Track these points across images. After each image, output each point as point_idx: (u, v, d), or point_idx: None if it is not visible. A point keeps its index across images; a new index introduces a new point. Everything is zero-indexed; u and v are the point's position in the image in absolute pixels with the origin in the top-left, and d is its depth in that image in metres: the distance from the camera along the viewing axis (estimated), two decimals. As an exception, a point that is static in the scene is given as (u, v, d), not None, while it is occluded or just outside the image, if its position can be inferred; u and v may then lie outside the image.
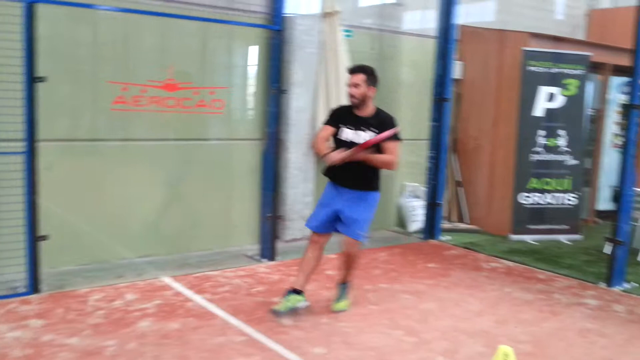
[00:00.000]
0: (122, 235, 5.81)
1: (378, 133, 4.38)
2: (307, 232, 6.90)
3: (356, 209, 4.59)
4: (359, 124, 4.51)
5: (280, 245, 6.43)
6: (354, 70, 4.54)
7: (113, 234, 5.75)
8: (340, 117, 4.61)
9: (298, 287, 4.64)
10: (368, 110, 4.54)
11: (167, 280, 5.33)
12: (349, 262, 4.76)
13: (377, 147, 4.40)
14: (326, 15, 6.70)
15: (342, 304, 4.80)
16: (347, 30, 6.99)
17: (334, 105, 6.70)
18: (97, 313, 4.48)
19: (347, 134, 4.53)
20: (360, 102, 4.49)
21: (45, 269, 5.00)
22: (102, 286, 5.08)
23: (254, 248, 6.35)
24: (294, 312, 4.55)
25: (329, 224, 4.72)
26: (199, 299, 4.88)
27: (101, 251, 5.70)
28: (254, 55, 6.47)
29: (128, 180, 5.79)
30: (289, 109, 6.62)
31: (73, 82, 5.42)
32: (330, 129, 4.61)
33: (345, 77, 6.74)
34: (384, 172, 4.67)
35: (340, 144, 4.53)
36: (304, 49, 6.59)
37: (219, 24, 6.02)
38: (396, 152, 4.46)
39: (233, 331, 4.27)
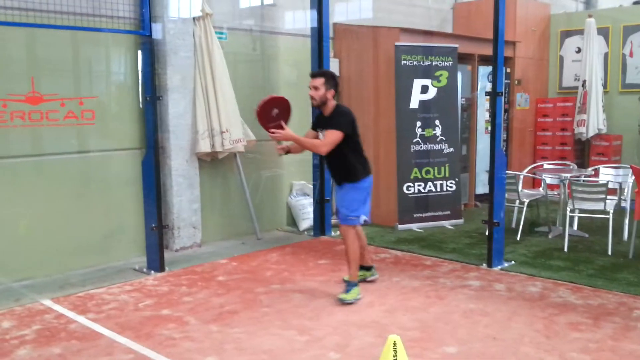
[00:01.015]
0: (-5, 260, 5.44)
1: (329, 128, 4.92)
2: (197, 238, 6.88)
3: (342, 197, 5.11)
4: (324, 123, 5.03)
5: (168, 255, 6.27)
6: (314, 75, 5.05)
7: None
8: (317, 121, 5.22)
9: (365, 264, 5.38)
10: (330, 109, 5.02)
11: (47, 303, 5.04)
12: (346, 251, 5.10)
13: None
14: (199, 18, 6.58)
15: (345, 295, 5.01)
16: (220, 33, 6.92)
17: (214, 109, 6.67)
18: (-32, 346, 4.17)
19: (319, 134, 5.10)
20: (320, 103, 4.99)
21: None
22: (-26, 317, 4.73)
23: (141, 260, 6.15)
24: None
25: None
26: (82, 320, 4.65)
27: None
28: (126, 62, 6.25)
29: (0, 200, 5.44)
30: (167, 116, 6.46)
31: None
32: (312, 133, 5.23)
33: (223, 79, 6.74)
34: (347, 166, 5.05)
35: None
36: (178, 54, 6.45)
37: (88, 32, 5.76)
38: (329, 139, 4.87)
39: (120, 349, 4.11)
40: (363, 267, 5.39)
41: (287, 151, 5.18)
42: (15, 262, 5.57)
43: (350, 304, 4.93)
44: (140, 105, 6.17)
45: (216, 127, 6.69)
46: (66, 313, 4.80)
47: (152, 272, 5.90)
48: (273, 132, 4.87)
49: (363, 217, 5.09)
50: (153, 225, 5.88)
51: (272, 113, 4.92)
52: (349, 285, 5.07)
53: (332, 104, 5.01)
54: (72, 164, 5.92)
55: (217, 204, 7.19)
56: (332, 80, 4.98)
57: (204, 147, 6.67)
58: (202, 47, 6.61)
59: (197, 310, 4.86)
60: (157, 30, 5.96)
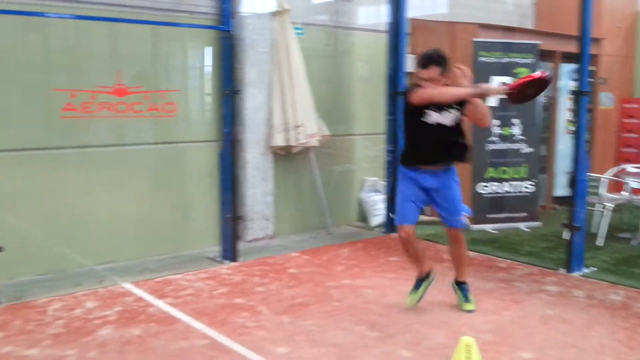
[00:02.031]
0: (81, 243, 5.70)
1: (461, 110, 4.45)
2: (270, 230, 6.98)
3: (449, 194, 4.64)
4: (442, 105, 4.42)
5: (242, 246, 6.39)
6: (424, 65, 4.40)
7: (71, 242, 5.64)
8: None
9: (421, 276, 4.78)
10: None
11: (127, 286, 5.25)
12: (458, 253, 4.78)
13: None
14: (276, 13, 6.67)
15: (468, 305, 4.71)
16: (298, 28, 6.98)
17: (290, 103, 6.74)
18: (56, 323, 4.39)
19: (433, 117, 4.46)
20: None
21: (3, 281, 4.96)
22: (62, 295, 4.98)
23: (215, 250, 6.29)
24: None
25: (417, 210, 4.70)
26: (160, 304, 4.82)
27: (60, 260, 5.58)
28: (205, 56, 6.41)
29: (84, 187, 5.69)
30: (244, 109, 6.57)
31: (22, 92, 5.30)
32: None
33: (299, 74, 6.79)
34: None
35: (423, 127, 4.46)
36: (256, 49, 6.56)
37: (168, 27, 5.93)
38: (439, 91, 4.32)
39: (196, 335, 4.23)
40: (421, 280, 4.80)
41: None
42: (98, 246, 5.82)
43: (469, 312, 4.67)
44: (218, 99, 6.30)
45: (291, 122, 6.76)
46: (145, 297, 4.98)
47: (226, 261, 6.03)
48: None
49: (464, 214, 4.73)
50: (228, 215, 6.01)
51: (525, 92, 4.21)
52: (466, 289, 4.78)
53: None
54: (153, 154, 6.12)
55: (289, 197, 7.27)
56: (446, 65, 4.42)
57: (279, 141, 6.76)
58: (280, 42, 6.69)
59: (269, 300, 4.93)
60: (236, 26, 6.06)
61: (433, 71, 4.33)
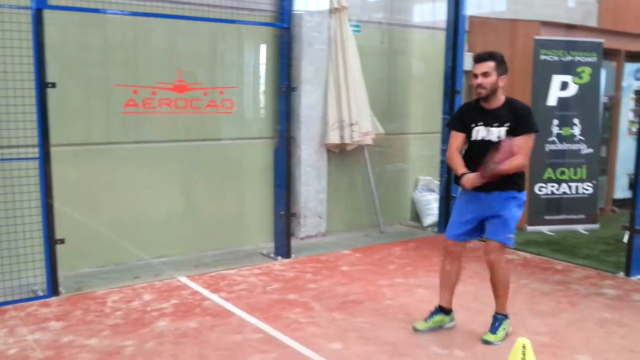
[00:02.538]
0: (138, 237, 5.86)
1: (513, 127, 3.92)
2: (322, 228, 7.01)
3: (497, 211, 4.04)
4: (489, 118, 4.01)
5: (294, 243, 6.44)
6: (482, 58, 3.96)
7: (129, 235, 5.80)
8: (469, 116, 4.11)
9: (444, 305, 4.34)
10: (498, 102, 4.00)
11: (183, 279, 5.37)
12: (495, 277, 4.18)
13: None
14: (334, 11, 6.69)
15: (491, 336, 4.13)
16: (355, 26, 6.98)
17: (345, 101, 6.75)
18: (115, 314, 4.53)
19: (479, 132, 4.04)
20: (490, 93, 3.94)
21: (64, 272, 5.07)
22: (120, 287, 5.13)
23: (268, 246, 6.36)
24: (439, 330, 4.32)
25: (470, 232, 4.23)
26: (215, 298, 4.91)
27: (118, 253, 5.76)
28: (263, 53, 6.48)
29: (142, 182, 5.84)
30: (299, 106, 6.62)
31: (84, 87, 5.49)
32: (460, 136, 4.12)
33: (355, 72, 6.80)
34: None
35: (473, 146, 4.09)
36: (313, 46, 6.59)
37: (227, 24, 6.03)
38: (526, 149, 3.93)
39: (250, 329, 4.29)
40: (442, 310, 4.36)
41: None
42: (155, 240, 5.97)
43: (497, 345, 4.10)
44: (275, 96, 6.37)
45: (346, 119, 6.77)
46: (200, 290, 5.09)
47: (279, 257, 6.09)
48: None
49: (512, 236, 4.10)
50: (282, 212, 6.07)
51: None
52: (499, 320, 4.19)
53: (501, 95, 4.00)
54: (210, 150, 6.23)
55: (342, 195, 7.28)
56: (504, 65, 3.97)
57: (333, 138, 6.78)
58: (337, 39, 6.71)
59: (321, 297, 4.96)
60: (294, 23, 6.11)
61: (488, 65, 3.91)
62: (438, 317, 4.33)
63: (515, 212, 4.07)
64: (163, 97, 5.77)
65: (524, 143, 3.90)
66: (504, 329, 4.16)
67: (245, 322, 4.41)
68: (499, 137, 3.96)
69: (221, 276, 5.50)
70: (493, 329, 4.15)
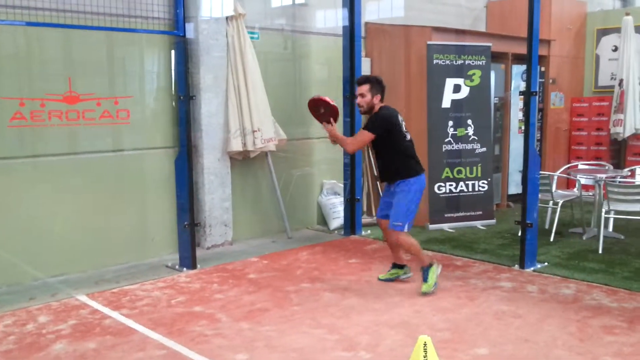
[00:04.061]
0: (34, 255, 5.58)
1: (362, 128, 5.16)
2: (229, 236, 6.94)
3: (394, 199, 5.16)
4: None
5: (200, 253, 6.35)
6: (359, 82, 5.14)
7: (24, 254, 5.52)
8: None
9: (396, 261, 5.54)
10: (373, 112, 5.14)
11: (82, 298, 5.15)
12: (403, 249, 5.34)
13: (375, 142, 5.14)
14: (231, 18, 6.64)
15: (424, 285, 5.16)
16: (253, 32, 6.97)
17: (246, 108, 6.73)
18: (8, 339, 4.27)
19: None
20: (367, 109, 5.11)
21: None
22: (13, 310, 4.85)
23: (173, 258, 6.23)
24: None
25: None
26: (116, 315, 4.74)
27: (11, 273, 5.45)
28: (160, 62, 6.34)
29: (38, 197, 5.58)
30: (199, 115, 6.53)
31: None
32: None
33: (255, 79, 6.79)
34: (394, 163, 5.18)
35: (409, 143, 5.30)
36: (211, 53, 6.52)
37: (123, 33, 5.86)
38: (357, 138, 5.21)
39: (153, 345, 4.17)
40: (396, 266, 5.55)
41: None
42: (51, 257, 5.69)
43: (433, 291, 5.14)
44: (174, 105, 6.25)
45: (248, 126, 6.74)
46: (101, 308, 4.90)
47: (184, 269, 5.97)
48: (325, 124, 5.10)
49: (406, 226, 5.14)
50: (185, 222, 5.95)
51: (320, 111, 5.15)
52: (425, 271, 5.19)
53: (377, 107, 5.11)
54: (107, 163, 6.03)
55: (248, 202, 7.25)
56: (377, 85, 5.10)
57: (236, 146, 6.73)
58: (235, 46, 6.67)
59: (228, 307, 4.91)
60: (190, 31, 6.02)
61: (363, 88, 5.07)
62: (394, 270, 5.54)
63: (400, 198, 5.13)
64: (53, 109, 5.52)
65: (359, 134, 5.19)
66: (433, 272, 5.17)
67: (148, 338, 4.29)
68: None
69: (123, 292, 5.32)
70: (424, 279, 5.17)
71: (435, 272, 5.19)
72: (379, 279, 5.54)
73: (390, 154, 5.14)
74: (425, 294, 5.10)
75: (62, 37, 5.62)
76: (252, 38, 6.87)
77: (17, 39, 5.38)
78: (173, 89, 6.19)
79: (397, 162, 5.14)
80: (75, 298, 5.15)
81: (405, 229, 5.13)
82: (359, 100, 5.11)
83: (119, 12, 5.85)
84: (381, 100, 5.14)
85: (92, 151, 5.90)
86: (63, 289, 5.40)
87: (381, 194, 7.22)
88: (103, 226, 6.02)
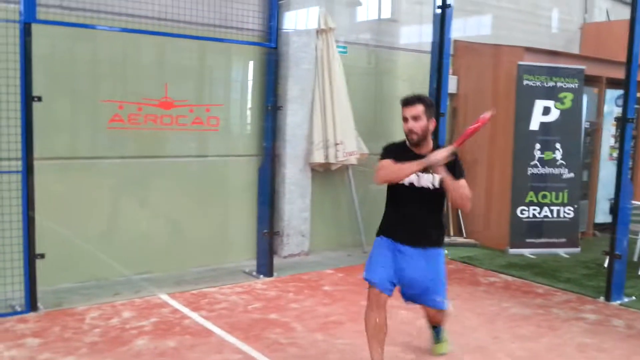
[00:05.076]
0: (120, 253, 5.80)
1: (449, 172, 3.59)
2: (305, 247, 7.00)
3: (431, 272, 3.85)
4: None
5: (277, 261, 6.43)
6: (409, 102, 3.70)
7: (110, 251, 5.75)
8: (397, 156, 3.69)
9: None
10: (428, 147, 3.72)
11: (164, 297, 5.32)
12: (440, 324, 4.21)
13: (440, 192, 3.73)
14: (321, 31, 6.74)
15: (439, 347, 4.31)
16: (341, 47, 7.04)
17: (330, 120, 6.78)
18: (93, 331, 4.47)
19: (410, 177, 3.72)
20: (422, 138, 3.69)
21: (43, 287, 4.97)
22: (99, 304, 5.06)
23: (251, 264, 6.34)
24: None
25: (392, 284, 3.96)
26: (195, 317, 4.87)
27: (99, 269, 5.69)
28: (250, 72, 6.51)
29: (126, 197, 5.82)
30: (285, 125, 6.64)
31: (71, 101, 5.47)
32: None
33: (340, 92, 6.84)
34: None
35: (397, 191, 3.82)
36: (300, 65, 6.63)
37: (215, 42, 6.05)
38: (469, 192, 3.67)
39: (229, 349, 4.26)
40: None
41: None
42: (136, 256, 5.91)
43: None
44: (261, 114, 6.39)
45: (331, 139, 6.80)
46: (181, 308, 5.04)
47: (261, 276, 6.06)
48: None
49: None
50: (265, 230, 6.06)
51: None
52: (439, 330, 4.29)
53: (430, 138, 3.76)
54: (195, 167, 6.23)
55: (326, 214, 7.29)
56: (432, 108, 3.75)
57: (318, 157, 6.80)
58: (323, 60, 6.76)
59: (303, 317, 4.94)
60: (282, 43, 6.14)
61: (417, 109, 3.67)
62: (443, 342, 4.32)
63: (442, 268, 3.89)
64: (149, 113, 5.76)
65: (465, 186, 3.63)
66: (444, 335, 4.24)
67: (225, 341, 4.38)
68: (433, 185, 3.71)
69: (202, 294, 5.46)
70: (440, 338, 4.27)
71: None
72: (438, 354, 4.34)
73: (437, 210, 3.89)
74: (443, 354, 4.28)
75: (159, 45, 5.85)
76: (340, 52, 6.94)
77: (116, 45, 5.63)
78: (261, 98, 6.32)
79: (438, 222, 3.90)
80: (157, 296, 5.33)
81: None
82: (411, 124, 3.65)
83: (213, 22, 6.04)
84: None
85: (182, 155, 6.12)
86: (146, 286, 5.59)
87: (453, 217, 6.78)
88: (186, 229, 6.20)
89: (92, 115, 5.57)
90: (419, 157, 3.61)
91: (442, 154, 3.50)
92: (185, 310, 5.00)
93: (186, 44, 5.96)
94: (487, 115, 3.50)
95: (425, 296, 3.93)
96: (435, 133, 6.94)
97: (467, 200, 3.65)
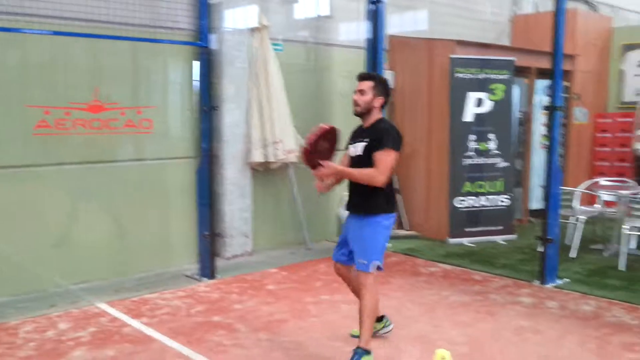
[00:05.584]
0: (57, 263, 5.64)
1: (371, 142, 3.93)
2: (248, 247, 6.96)
3: (358, 235, 4.07)
4: (359, 135, 4.11)
5: (220, 263, 6.38)
6: (362, 77, 4.12)
7: (46, 261, 5.58)
8: (352, 136, 4.19)
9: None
10: (371, 121, 4.07)
11: (102, 306, 5.19)
12: (360, 303, 4.03)
13: (368, 159, 3.95)
14: (255, 30, 6.71)
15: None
16: (276, 44, 7.02)
17: (268, 119, 6.77)
18: (28, 345, 4.32)
19: (350, 149, 4.12)
20: (363, 111, 4.04)
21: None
22: (34, 317, 4.90)
23: (193, 267, 6.26)
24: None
25: (348, 253, 4.23)
26: (136, 324, 4.77)
27: (34, 280, 5.51)
28: (184, 72, 6.40)
29: (59, 205, 5.65)
30: (222, 125, 6.58)
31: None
32: (347, 157, 4.21)
33: (277, 90, 6.83)
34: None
35: (351, 163, 4.12)
36: (234, 64, 6.58)
37: (147, 43, 5.94)
38: (385, 164, 3.87)
39: (172, 354, 4.19)
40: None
41: (329, 187, 4.28)
42: (73, 265, 5.75)
43: None
44: (196, 115, 6.31)
45: (269, 138, 6.78)
46: (120, 316, 4.94)
47: (204, 279, 6.00)
48: (318, 170, 4.00)
49: (377, 264, 4.01)
50: (205, 232, 5.99)
51: (320, 146, 4.02)
52: (356, 354, 3.93)
53: (376, 114, 4.08)
54: (129, 171, 6.09)
55: (268, 213, 7.27)
56: (382, 87, 4.07)
57: (257, 157, 6.77)
58: (258, 58, 6.73)
59: (246, 318, 4.92)
60: (214, 42, 6.09)
61: (366, 84, 4.05)
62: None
63: (370, 233, 4.01)
64: (77, 118, 5.61)
65: (384, 158, 3.88)
66: None
67: (167, 347, 4.31)
68: (356, 153, 4.04)
69: (143, 300, 5.36)
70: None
71: None
72: (352, 335, 4.39)
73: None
74: None
75: (88, 47, 5.70)
76: (275, 50, 6.92)
77: (44, 48, 5.46)
78: (196, 99, 6.24)
79: (384, 189, 3.99)
80: (95, 306, 5.20)
81: (369, 270, 3.99)
82: (356, 97, 4.03)
83: (144, 22, 5.93)
84: (382, 107, 4.12)
85: (115, 160, 5.97)
86: (84, 296, 5.45)
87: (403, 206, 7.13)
88: (124, 235, 6.07)
89: (18, 122, 5.36)
90: (362, 129, 4.12)
91: (321, 172, 3.99)
92: (125, 318, 4.89)
93: (118, 46, 5.83)
94: (325, 126, 4.01)
95: (355, 257, 4.09)
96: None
97: (370, 179, 3.91)
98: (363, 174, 3.93)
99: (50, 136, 5.50)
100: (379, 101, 4.05)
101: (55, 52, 5.53)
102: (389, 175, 3.94)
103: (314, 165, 3.99)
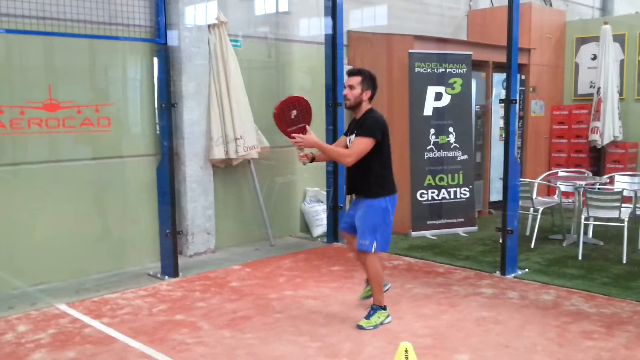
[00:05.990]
0: (14, 264, 5.52)
1: (357, 135, 4.46)
2: (211, 244, 6.92)
3: (361, 217, 4.57)
4: (353, 127, 4.64)
5: (183, 261, 6.33)
6: (351, 73, 4.62)
7: (4, 262, 5.46)
8: (348, 127, 4.83)
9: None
10: (361, 113, 4.56)
11: (62, 307, 5.10)
12: (366, 273, 4.68)
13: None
14: (213, 26, 6.65)
15: (364, 321, 4.60)
16: (235, 40, 6.98)
17: (228, 115, 6.73)
18: (-15, 350, 4.23)
19: (349, 141, 4.66)
20: (353, 104, 4.55)
21: None
22: (-8, 320, 4.80)
23: (155, 266, 6.20)
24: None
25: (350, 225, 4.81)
26: (97, 324, 4.70)
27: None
28: (142, 69, 6.32)
29: (17, 205, 5.52)
30: (182, 122, 6.52)
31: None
32: (343, 139, 4.85)
33: (237, 86, 6.79)
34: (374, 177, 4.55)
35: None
36: (193, 61, 6.52)
37: (105, 40, 5.84)
38: (357, 148, 4.38)
39: (133, 354, 4.15)
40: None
41: (312, 159, 4.68)
42: (31, 266, 5.64)
43: (370, 330, 4.52)
44: (156, 112, 6.24)
45: (230, 134, 6.74)
46: (81, 317, 4.86)
47: (166, 277, 5.94)
48: (294, 137, 4.46)
49: (375, 244, 4.50)
50: (167, 231, 5.93)
51: (290, 115, 4.55)
52: (374, 309, 4.63)
53: (365, 106, 4.54)
54: (88, 170, 5.99)
55: (230, 210, 7.23)
56: (370, 81, 4.54)
57: (218, 153, 6.73)
58: (217, 54, 6.68)
59: (210, 315, 4.89)
60: (172, 38, 6.02)
61: (354, 79, 4.55)
62: (368, 288, 4.94)
63: (369, 216, 4.52)
64: (33, 117, 5.49)
65: (356, 143, 4.42)
66: (378, 317, 4.60)
67: (129, 347, 4.26)
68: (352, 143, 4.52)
69: (104, 301, 5.28)
70: (367, 316, 4.62)
71: (382, 317, 4.61)
72: (360, 298, 5.08)
73: (373, 165, 4.50)
74: (360, 327, 4.55)
75: (43, 45, 5.58)
76: (234, 46, 6.88)
77: (-3, 47, 5.34)
78: (155, 96, 6.17)
79: (378, 174, 4.51)
80: (55, 307, 5.10)
81: (369, 250, 4.51)
82: (346, 91, 4.52)
83: (100, 19, 5.83)
84: (370, 99, 4.57)
85: (72, 159, 5.86)
86: (43, 298, 5.34)
87: (336, 203, 7.23)
88: (84, 234, 5.98)
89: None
90: (356, 121, 4.58)
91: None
92: (86, 319, 4.81)
93: (73, 43, 5.72)
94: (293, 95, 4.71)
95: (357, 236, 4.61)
96: (334, 122, 7.11)
97: (338, 156, 4.54)
98: (334, 151, 4.55)
99: (4, 136, 5.37)
100: (367, 94, 4.55)
101: (9, 51, 5.40)
102: (359, 158, 4.41)
103: (288, 134, 4.54)
